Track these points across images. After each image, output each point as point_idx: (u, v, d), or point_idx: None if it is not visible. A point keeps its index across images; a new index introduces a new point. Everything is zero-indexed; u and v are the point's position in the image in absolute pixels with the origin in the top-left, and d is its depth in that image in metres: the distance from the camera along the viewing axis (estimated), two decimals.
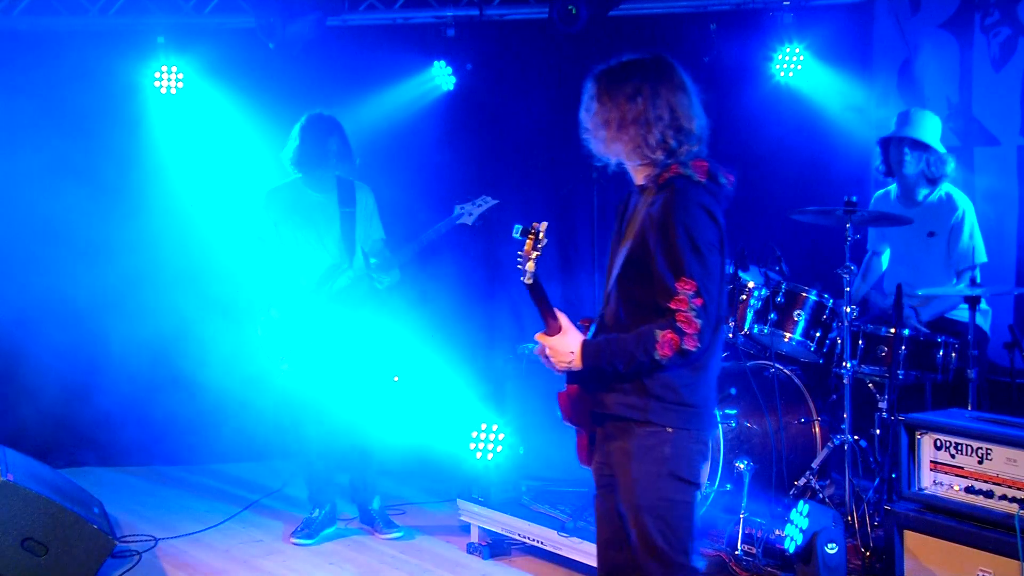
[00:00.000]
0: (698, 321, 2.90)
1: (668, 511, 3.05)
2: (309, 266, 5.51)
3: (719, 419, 4.78)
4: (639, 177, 3.16)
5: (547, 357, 3.15)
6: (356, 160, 5.64)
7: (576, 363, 3.08)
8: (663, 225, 2.96)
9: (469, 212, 5.53)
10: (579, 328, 3.18)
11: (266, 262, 5.55)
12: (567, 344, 3.09)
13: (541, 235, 3.03)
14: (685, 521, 3.07)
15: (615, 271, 3.13)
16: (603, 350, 3.02)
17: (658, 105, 3.08)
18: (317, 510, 5.62)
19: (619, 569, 3.23)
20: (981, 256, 5.31)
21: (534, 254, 3.03)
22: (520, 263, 3.04)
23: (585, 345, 3.07)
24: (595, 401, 3.13)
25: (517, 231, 3.05)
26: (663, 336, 2.91)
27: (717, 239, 3.01)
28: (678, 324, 2.90)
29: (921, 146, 5.33)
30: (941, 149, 5.35)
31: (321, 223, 5.54)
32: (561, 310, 3.15)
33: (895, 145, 5.42)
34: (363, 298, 5.54)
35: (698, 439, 3.07)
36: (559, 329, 3.10)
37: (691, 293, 2.90)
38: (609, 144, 3.13)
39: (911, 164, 5.37)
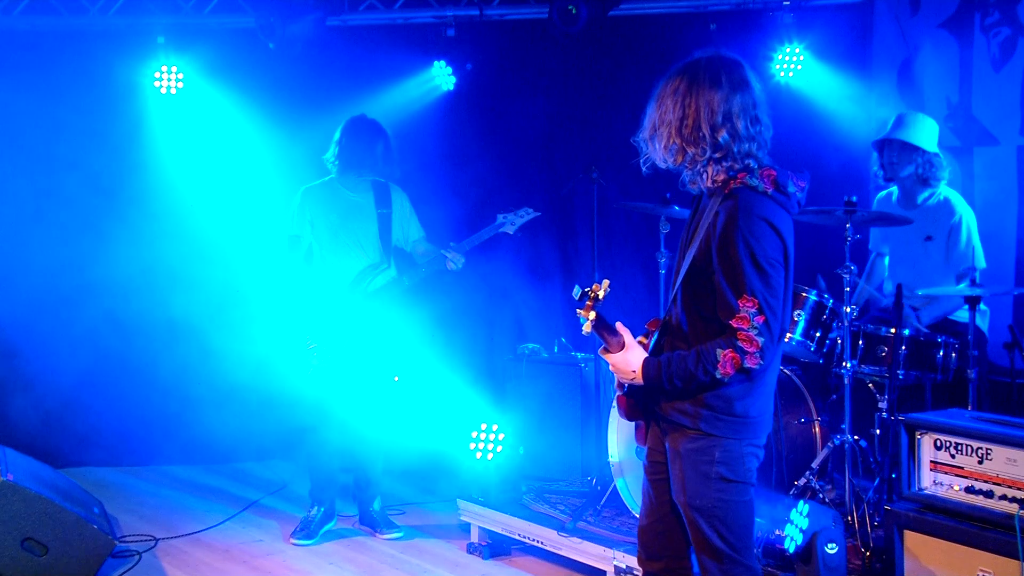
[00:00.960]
0: (760, 339, 2.88)
1: (723, 511, 3.06)
2: (344, 266, 5.55)
3: None
4: (706, 181, 3.09)
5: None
6: (397, 170, 5.70)
7: (638, 379, 3.09)
8: (724, 239, 2.93)
9: (512, 222, 5.64)
10: (644, 331, 3.21)
11: (295, 264, 5.58)
12: (629, 362, 3.09)
13: (601, 295, 3.01)
14: (741, 519, 3.09)
15: (680, 276, 3.12)
16: (664, 369, 3.02)
17: (708, 107, 3.00)
18: (316, 507, 5.63)
19: (662, 538, 3.27)
20: (980, 261, 5.30)
21: (592, 315, 3.01)
22: (582, 320, 3.03)
23: (647, 364, 3.07)
24: (653, 400, 3.17)
25: (576, 293, 3.03)
26: (724, 355, 2.90)
27: (780, 254, 2.97)
28: (739, 343, 2.89)
29: (911, 148, 5.34)
30: (934, 150, 5.35)
31: (359, 224, 5.59)
32: (614, 318, 3.13)
33: (887, 147, 5.45)
34: (398, 299, 5.58)
35: (750, 444, 3.07)
36: (621, 346, 3.09)
37: (753, 311, 2.88)
38: (663, 148, 3.08)
39: (900, 167, 5.39)
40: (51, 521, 4.56)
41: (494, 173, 7.01)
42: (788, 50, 6.58)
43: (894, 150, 5.41)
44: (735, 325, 2.89)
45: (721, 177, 3.04)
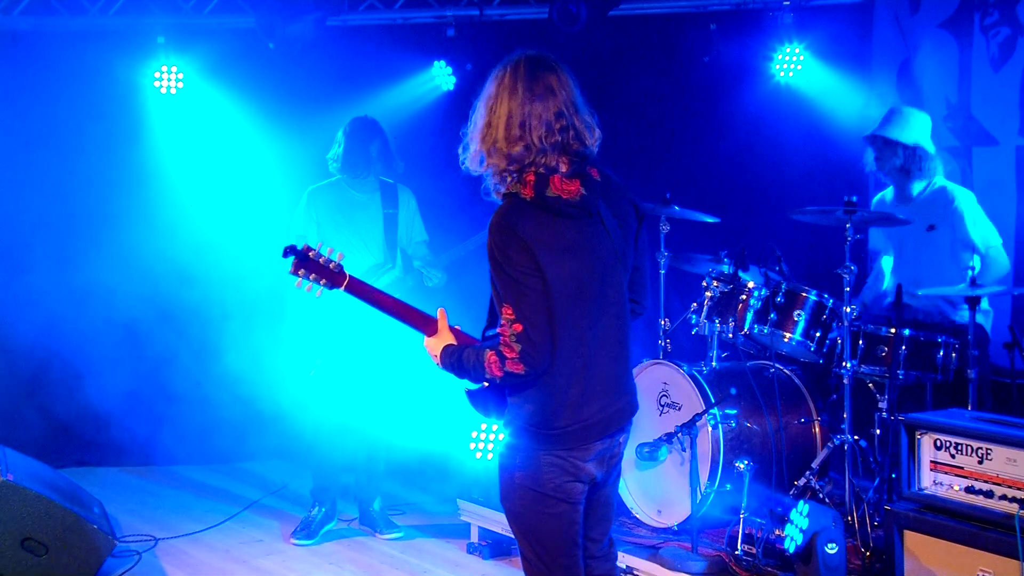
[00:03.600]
0: (517, 346, 2.88)
1: (528, 521, 3.05)
2: (350, 266, 5.54)
3: (719, 419, 4.78)
4: (485, 187, 3.11)
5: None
6: (399, 164, 5.72)
7: (438, 363, 3.17)
8: (488, 249, 2.96)
9: None
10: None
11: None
12: (434, 346, 3.19)
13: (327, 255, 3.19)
14: (548, 533, 3.03)
15: None
16: (450, 356, 3.10)
17: (493, 113, 3.00)
18: (318, 507, 5.63)
19: None
20: (995, 238, 5.32)
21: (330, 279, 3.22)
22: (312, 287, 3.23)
23: (443, 350, 3.14)
24: None
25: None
26: (489, 357, 2.94)
27: (528, 262, 2.89)
28: (500, 348, 2.92)
29: (892, 143, 5.37)
30: (914, 143, 5.35)
31: (364, 223, 5.59)
32: None
33: (873, 144, 5.48)
34: (403, 299, 5.56)
35: (550, 454, 3.00)
36: (435, 331, 3.22)
37: (511, 319, 2.89)
38: (464, 150, 3.08)
39: (884, 161, 5.42)
40: (51, 521, 4.56)
41: None
42: (788, 50, 6.58)
43: (878, 146, 5.44)
44: (499, 332, 2.94)
45: (500, 185, 3.03)
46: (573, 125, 2.98)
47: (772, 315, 5.06)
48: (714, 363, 5.11)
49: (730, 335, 5.09)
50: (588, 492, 3.09)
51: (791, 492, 4.82)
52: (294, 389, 5.71)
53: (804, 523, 4.23)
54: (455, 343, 3.16)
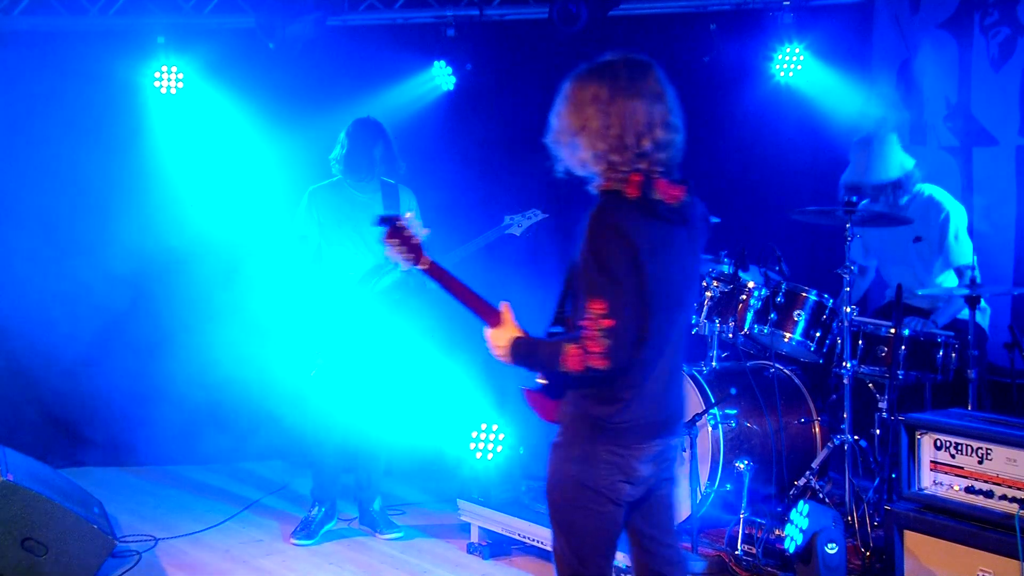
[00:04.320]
0: (605, 341, 2.88)
1: (571, 515, 3.05)
2: (352, 265, 5.55)
3: (719, 419, 4.78)
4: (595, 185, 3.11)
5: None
6: (402, 166, 5.70)
7: (506, 357, 3.14)
8: (584, 242, 2.96)
9: (519, 224, 5.62)
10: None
11: (304, 264, 5.59)
12: (498, 336, 3.17)
13: (420, 233, 3.16)
14: (589, 530, 3.04)
15: (569, 272, 3.16)
16: (522, 348, 3.10)
17: (611, 114, 2.99)
18: (317, 507, 5.63)
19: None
20: (969, 257, 5.31)
21: (414, 256, 3.23)
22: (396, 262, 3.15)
23: (512, 342, 3.13)
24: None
25: (374, 220, 3.22)
26: (569, 350, 2.93)
27: (628, 260, 2.92)
28: (584, 342, 2.91)
29: (880, 185, 5.36)
30: (897, 176, 5.33)
31: (365, 223, 5.57)
32: None
33: (859, 191, 5.41)
34: (405, 299, 5.59)
35: (615, 452, 3.02)
36: (498, 322, 3.19)
37: (600, 314, 2.89)
38: (565, 149, 3.10)
39: (879, 198, 5.42)
40: (51, 521, 4.56)
41: (494, 173, 7.00)
42: (788, 50, 6.58)
43: (867, 192, 5.40)
44: (583, 324, 2.93)
45: (599, 182, 3.05)
46: (679, 132, 3.09)
47: (772, 315, 5.06)
48: (714, 363, 5.12)
49: (730, 335, 5.10)
50: (645, 495, 3.11)
51: (791, 492, 4.82)
52: (294, 389, 5.71)
53: (804, 523, 4.23)
54: (521, 335, 3.14)
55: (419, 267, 3.32)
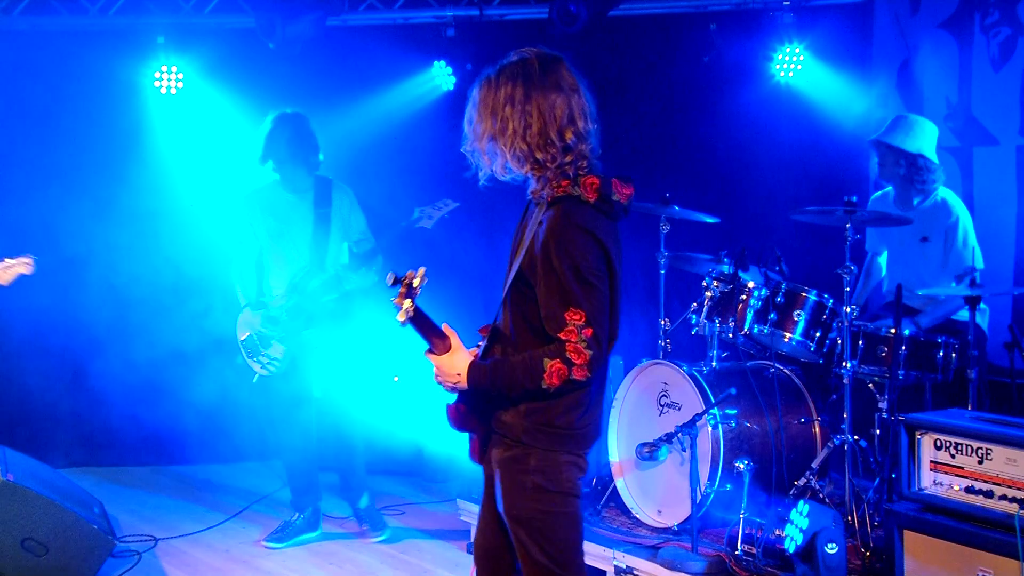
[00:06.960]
0: (588, 352, 2.84)
1: (541, 522, 3.00)
2: (284, 267, 5.51)
3: (719, 419, 4.78)
4: (530, 188, 3.03)
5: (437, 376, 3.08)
6: (316, 156, 5.50)
7: (462, 384, 3.02)
8: (547, 250, 2.87)
9: (429, 216, 5.40)
10: (477, 336, 3.17)
11: (244, 267, 5.57)
12: (454, 364, 3.03)
13: (416, 283, 2.96)
14: (562, 531, 3.02)
15: (508, 282, 3.06)
16: (490, 373, 2.97)
17: (529, 112, 2.92)
18: (298, 514, 5.60)
19: (491, 555, 3.23)
20: (979, 262, 5.30)
21: (407, 303, 2.95)
22: (395, 309, 2.97)
23: (472, 368, 3.00)
24: (486, 410, 3.10)
25: (389, 280, 2.96)
26: (551, 366, 2.85)
27: (603, 264, 2.90)
28: (567, 355, 2.84)
29: (895, 151, 5.32)
30: (917, 152, 5.31)
31: (295, 224, 5.52)
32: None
33: (876, 148, 5.45)
34: (334, 301, 5.51)
35: (569, 453, 3.01)
36: (447, 348, 3.04)
37: (580, 324, 2.84)
38: (485, 156, 3.01)
39: (887, 168, 5.39)
40: (51, 521, 4.56)
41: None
42: (788, 50, 6.58)
43: (881, 151, 5.42)
44: (563, 337, 2.85)
45: (543, 186, 2.96)
46: (596, 121, 3.03)
47: (772, 315, 5.06)
48: (714, 363, 5.11)
49: (730, 335, 5.09)
50: None
51: (791, 492, 4.82)
52: (260, 391, 5.69)
53: (804, 523, 4.23)
54: (474, 359, 3.03)
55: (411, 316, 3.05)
